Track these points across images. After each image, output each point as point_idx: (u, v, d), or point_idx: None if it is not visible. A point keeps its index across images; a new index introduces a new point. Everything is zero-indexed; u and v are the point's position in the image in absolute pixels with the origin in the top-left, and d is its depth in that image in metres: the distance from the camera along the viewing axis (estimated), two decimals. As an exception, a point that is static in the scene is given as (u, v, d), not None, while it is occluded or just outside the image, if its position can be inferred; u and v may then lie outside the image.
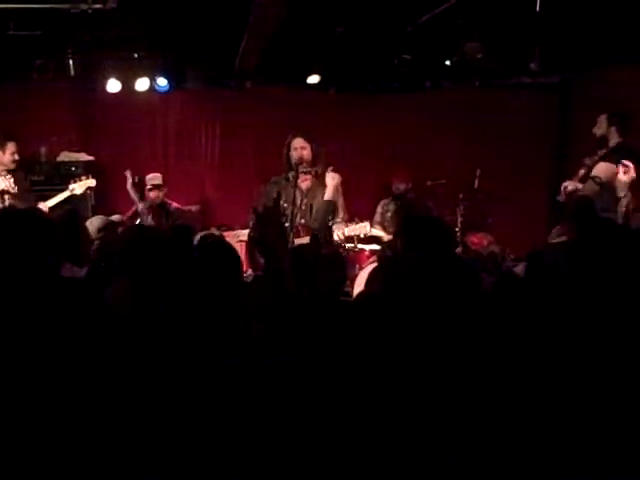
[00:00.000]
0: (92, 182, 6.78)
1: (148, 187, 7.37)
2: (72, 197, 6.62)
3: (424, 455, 2.19)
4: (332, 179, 5.80)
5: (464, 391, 2.33)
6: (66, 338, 2.25)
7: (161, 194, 7.39)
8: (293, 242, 5.47)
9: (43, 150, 7.88)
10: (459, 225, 7.22)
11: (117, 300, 3.19)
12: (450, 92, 8.55)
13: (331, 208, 5.75)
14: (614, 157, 5.57)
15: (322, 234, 5.67)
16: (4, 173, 6.48)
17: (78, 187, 6.67)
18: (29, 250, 2.42)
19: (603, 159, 5.66)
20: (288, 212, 5.66)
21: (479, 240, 5.82)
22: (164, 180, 7.44)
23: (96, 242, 4.66)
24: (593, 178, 5.46)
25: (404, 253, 3.52)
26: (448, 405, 2.28)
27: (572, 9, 6.37)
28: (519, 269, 4.33)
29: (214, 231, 6.07)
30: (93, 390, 2.21)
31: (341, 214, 5.94)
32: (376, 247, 6.75)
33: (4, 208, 5.96)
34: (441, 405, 2.27)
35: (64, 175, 7.73)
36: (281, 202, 5.86)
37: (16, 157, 6.56)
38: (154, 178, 7.40)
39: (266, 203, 5.73)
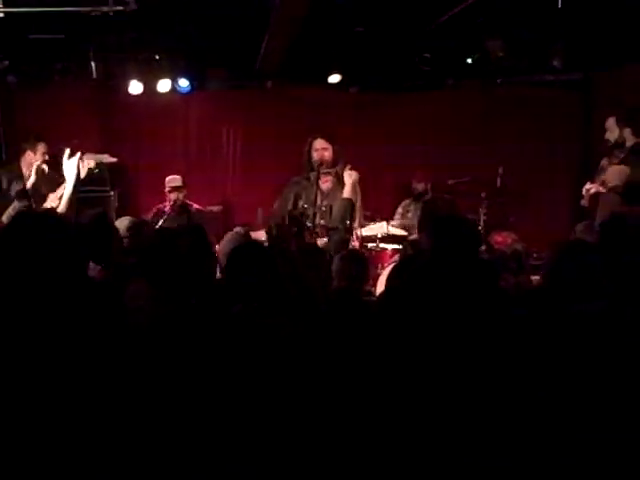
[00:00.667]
0: (91, 163, 6.70)
1: (167, 189, 7.37)
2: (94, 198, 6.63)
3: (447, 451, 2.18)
4: (349, 177, 5.80)
5: (479, 391, 2.31)
6: (82, 339, 2.26)
7: (181, 195, 7.37)
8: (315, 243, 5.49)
9: (66, 152, 7.92)
10: (482, 224, 7.18)
11: (134, 300, 3.22)
12: (472, 90, 8.50)
13: (349, 207, 5.75)
14: (632, 159, 5.46)
15: (341, 233, 5.67)
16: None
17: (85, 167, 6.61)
18: (44, 253, 2.43)
19: (623, 163, 5.54)
20: (309, 213, 5.68)
21: (503, 239, 5.77)
22: (184, 182, 7.44)
23: (125, 241, 4.68)
24: (613, 189, 5.34)
25: (428, 252, 3.50)
26: (461, 406, 2.26)
27: (595, 5, 6.31)
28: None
29: (239, 229, 6.06)
30: (109, 391, 2.22)
31: (357, 218, 5.93)
32: (397, 246, 6.72)
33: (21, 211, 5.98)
34: (454, 406, 2.26)
35: (87, 176, 7.77)
36: (301, 203, 5.87)
37: (46, 157, 6.63)
38: (173, 180, 7.40)
39: (283, 206, 5.76)
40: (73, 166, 5.98)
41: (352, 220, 5.82)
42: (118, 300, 2.78)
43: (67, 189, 5.87)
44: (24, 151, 6.64)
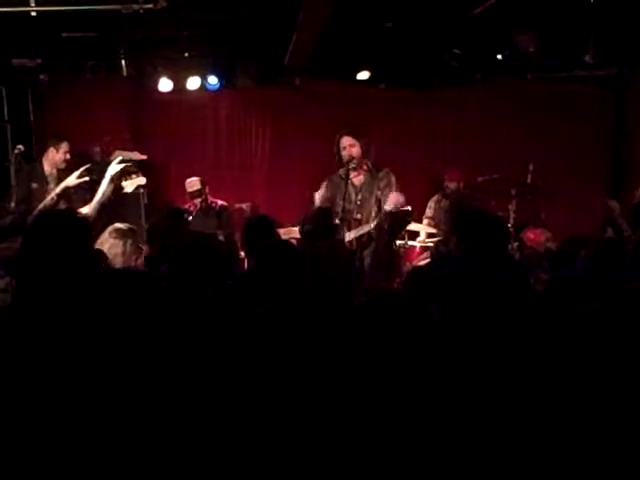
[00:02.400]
0: (142, 180, 6.82)
1: (187, 195, 7.34)
2: (123, 195, 6.69)
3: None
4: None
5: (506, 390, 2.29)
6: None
7: (203, 197, 7.31)
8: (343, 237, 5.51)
9: (97, 149, 8.00)
10: (512, 221, 7.12)
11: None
12: (502, 86, 8.43)
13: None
14: None
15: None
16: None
17: (129, 185, 6.73)
18: (63, 247, 2.47)
19: None
20: (338, 209, 5.69)
21: (536, 236, 5.70)
22: (202, 182, 7.37)
23: None
24: None
25: (457, 250, 3.47)
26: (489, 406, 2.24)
27: (628, -1, 6.23)
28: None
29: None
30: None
31: None
32: (425, 244, 6.70)
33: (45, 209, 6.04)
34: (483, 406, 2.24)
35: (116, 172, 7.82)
36: (337, 200, 5.89)
37: (67, 157, 6.69)
38: (190, 185, 7.31)
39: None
40: (115, 171, 6.04)
41: None
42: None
43: (99, 193, 5.92)
44: (47, 149, 6.73)
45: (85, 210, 5.71)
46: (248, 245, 4.53)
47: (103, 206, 5.95)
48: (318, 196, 5.93)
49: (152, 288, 2.55)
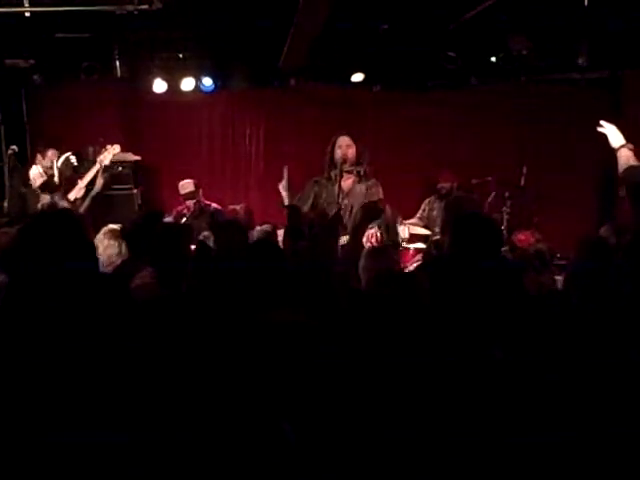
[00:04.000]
0: (116, 148, 6.86)
1: (181, 197, 7.32)
2: (105, 169, 6.73)
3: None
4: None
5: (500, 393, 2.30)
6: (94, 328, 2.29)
7: (197, 199, 7.29)
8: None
9: (90, 150, 7.99)
10: (505, 223, 7.13)
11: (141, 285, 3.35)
12: (496, 89, 8.44)
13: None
14: None
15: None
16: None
17: (105, 158, 6.76)
18: (58, 247, 2.48)
19: None
20: (330, 212, 5.65)
21: (526, 238, 5.70)
22: (196, 184, 7.35)
23: None
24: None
25: (450, 252, 3.46)
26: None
27: (621, 1, 6.26)
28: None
29: (266, 227, 6.07)
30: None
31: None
32: (420, 246, 6.70)
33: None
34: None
35: (112, 175, 7.83)
36: (321, 202, 5.85)
37: (55, 164, 6.73)
38: (184, 187, 7.26)
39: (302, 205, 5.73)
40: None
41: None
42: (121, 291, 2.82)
43: (84, 181, 6.00)
44: (35, 155, 6.81)
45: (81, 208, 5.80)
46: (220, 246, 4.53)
47: (95, 200, 6.03)
48: (286, 191, 5.87)
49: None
